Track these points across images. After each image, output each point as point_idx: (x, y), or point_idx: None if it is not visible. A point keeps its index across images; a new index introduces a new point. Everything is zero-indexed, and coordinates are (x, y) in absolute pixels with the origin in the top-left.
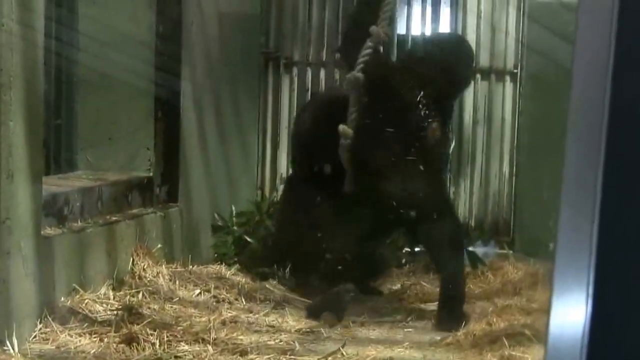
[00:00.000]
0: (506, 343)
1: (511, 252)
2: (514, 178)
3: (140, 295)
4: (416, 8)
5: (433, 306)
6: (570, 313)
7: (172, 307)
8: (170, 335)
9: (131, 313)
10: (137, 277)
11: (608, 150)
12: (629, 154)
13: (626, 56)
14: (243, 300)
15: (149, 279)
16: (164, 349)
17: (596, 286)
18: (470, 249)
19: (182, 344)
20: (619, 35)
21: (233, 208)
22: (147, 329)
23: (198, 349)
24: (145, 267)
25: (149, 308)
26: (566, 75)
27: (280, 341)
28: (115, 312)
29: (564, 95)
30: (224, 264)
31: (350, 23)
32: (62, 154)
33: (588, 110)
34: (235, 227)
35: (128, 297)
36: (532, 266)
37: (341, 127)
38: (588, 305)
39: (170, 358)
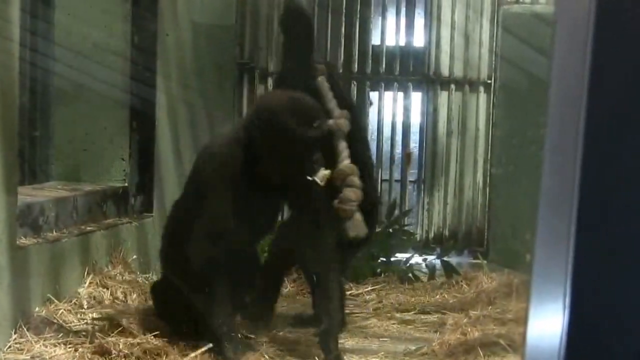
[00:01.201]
0: (481, 353)
1: (485, 261)
2: (487, 188)
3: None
4: (390, 19)
5: (409, 316)
6: (547, 324)
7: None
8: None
9: (112, 324)
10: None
11: (584, 162)
12: (605, 166)
13: (602, 68)
14: None
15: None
16: None
17: (572, 297)
18: (445, 258)
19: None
20: (595, 47)
21: None
22: (121, 340)
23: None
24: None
25: (125, 319)
26: (539, 86)
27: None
28: (91, 322)
29: (537, 106)
30: None
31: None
32: (37, 164)
33: (565, 122)
34: None
35: (104, 309)
36: (506, 276)
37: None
38: (565, 315)
39: None
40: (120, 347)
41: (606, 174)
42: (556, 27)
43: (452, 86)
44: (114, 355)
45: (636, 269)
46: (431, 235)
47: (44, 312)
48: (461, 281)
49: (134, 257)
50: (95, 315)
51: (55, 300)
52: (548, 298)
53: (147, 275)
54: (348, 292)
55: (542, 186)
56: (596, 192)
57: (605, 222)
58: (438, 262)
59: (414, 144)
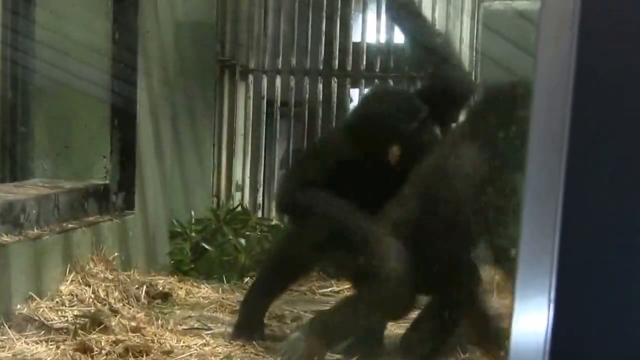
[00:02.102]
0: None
1: None
2: None
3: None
4: (371, 15)
5: None
6: (533, 319)
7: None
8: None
9: (94, 322)
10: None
11: (569, 159)
12: (591, 162)
13: (588, 64)
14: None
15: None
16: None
17: (558, 291)
18: None
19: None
20: (580, 45)
21: (193, 214)
22: (103, 337)
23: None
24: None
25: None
26: (520, 83)
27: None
28: (74, 320)
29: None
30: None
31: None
32: (18, 162)
33: (550, 119)
34: (193, 234)
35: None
36: (487, 273)
37: None
38: (550, 310)
39: None
40: (102, 344)
41: (591, 170)
42: (540, 24)
43: None
44: (95, 353)
45: (621, 263)
46: None
47: (25, 309)
48: None
49: (116, 254)
50: (77, 312)
51: (37, 298)
52: (533, 293)
53: (129, 273)
54: (329, 289)
55: (527, 181)
56: (581, 187)
57: (590, 217)
58: None
59: None
